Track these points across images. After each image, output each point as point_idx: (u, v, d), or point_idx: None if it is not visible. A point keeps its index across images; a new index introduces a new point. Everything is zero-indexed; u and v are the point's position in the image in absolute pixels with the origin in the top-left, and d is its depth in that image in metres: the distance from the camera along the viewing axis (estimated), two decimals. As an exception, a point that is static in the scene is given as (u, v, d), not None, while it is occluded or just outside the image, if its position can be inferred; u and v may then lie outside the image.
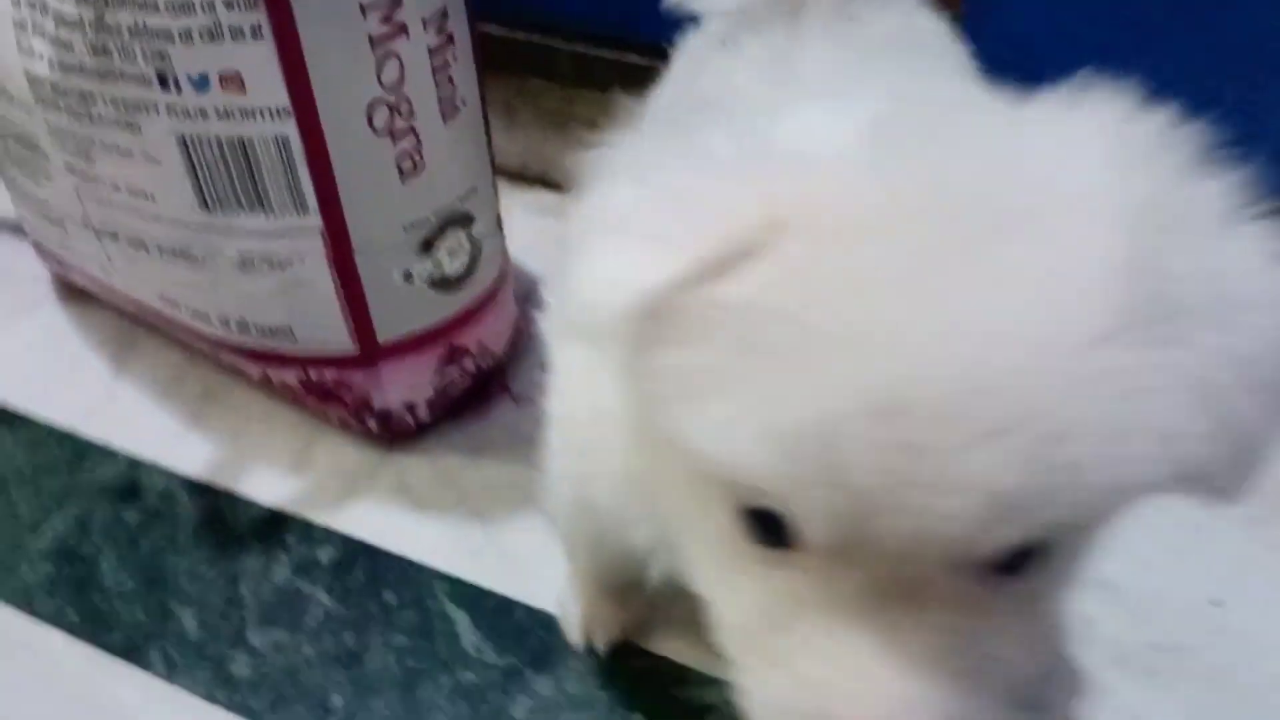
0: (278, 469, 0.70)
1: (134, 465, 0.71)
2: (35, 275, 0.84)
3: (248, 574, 0.65)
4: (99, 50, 0.57)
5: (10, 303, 0.83)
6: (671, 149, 0.33)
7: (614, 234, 0.31)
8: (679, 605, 0.61)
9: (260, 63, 0.56)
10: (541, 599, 0.63)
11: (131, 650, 0.61)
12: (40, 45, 0.59)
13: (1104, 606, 0.61)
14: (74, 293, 0.82)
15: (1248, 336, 0.28)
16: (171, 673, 0.60)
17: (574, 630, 0.61)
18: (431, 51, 0.60)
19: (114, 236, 0.66)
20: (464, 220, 0.66)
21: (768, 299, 0.28)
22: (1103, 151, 0.29)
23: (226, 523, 0.67)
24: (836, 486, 0.27)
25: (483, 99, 0.66)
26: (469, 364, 0.71)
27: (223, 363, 0.73)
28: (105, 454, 0.71)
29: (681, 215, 0.29)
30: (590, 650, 0.61)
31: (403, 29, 0.58)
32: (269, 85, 0.56)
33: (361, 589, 0.64)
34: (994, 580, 0.30)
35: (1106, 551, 0.63)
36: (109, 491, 0.69)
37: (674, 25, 0.62)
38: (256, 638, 0.62)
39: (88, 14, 0.56)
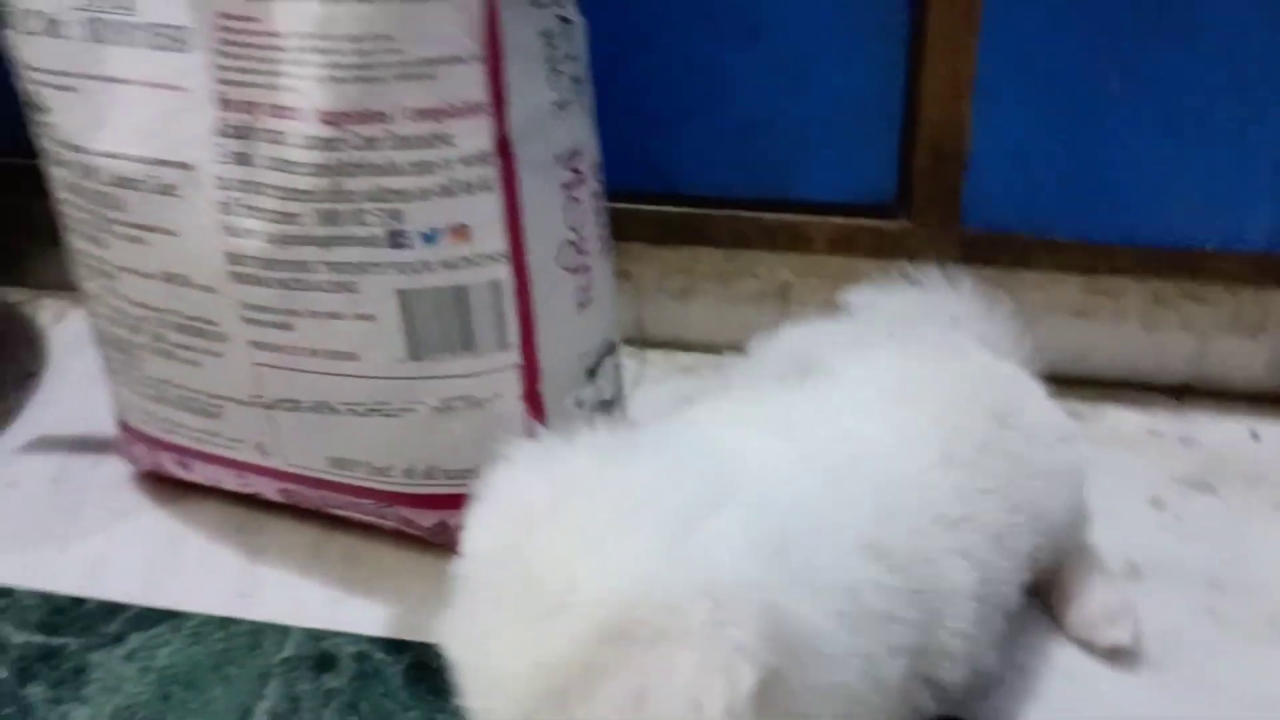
0: (457, 613, 0.72)
1: (315, 636, 0.71)
2: (112, 484, 0.84)
3: (477, 710, 0.66)
4: (328, 218, 0.62)
5: (105, 515, 0.81)
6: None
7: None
8: None
9: (485, 212, 0.62)
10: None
11: (402, 797, 0.61)
12: (253, 223, 0.63)
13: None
14: (170, 492, 0.81)
15: None
16: (452, 807, 0.60)
17: None
18: (593, 195, 0.69)
19: (293, 406, 0.69)
20: (613, 349, 0.74)
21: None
22: None
23: (435, 671, 0.68)
24: None
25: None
26: (616, 485, 0.77)
27: (383, 521, 0.75)
28: (279, 630, 0.71)
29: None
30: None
31: (581, 177, 0.67)
32: (491, 233, 0.63)
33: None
34: None
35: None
36: (303, 664, 0.69)
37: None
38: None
39: (323, 184, 0.61)
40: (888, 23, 0.78)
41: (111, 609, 0.74)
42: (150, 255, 0.68)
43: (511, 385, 0.67)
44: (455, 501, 0.70)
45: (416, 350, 0.65)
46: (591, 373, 0.71)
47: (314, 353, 0.66)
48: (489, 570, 0.45)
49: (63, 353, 0.99)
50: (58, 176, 0.71)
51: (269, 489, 0.76)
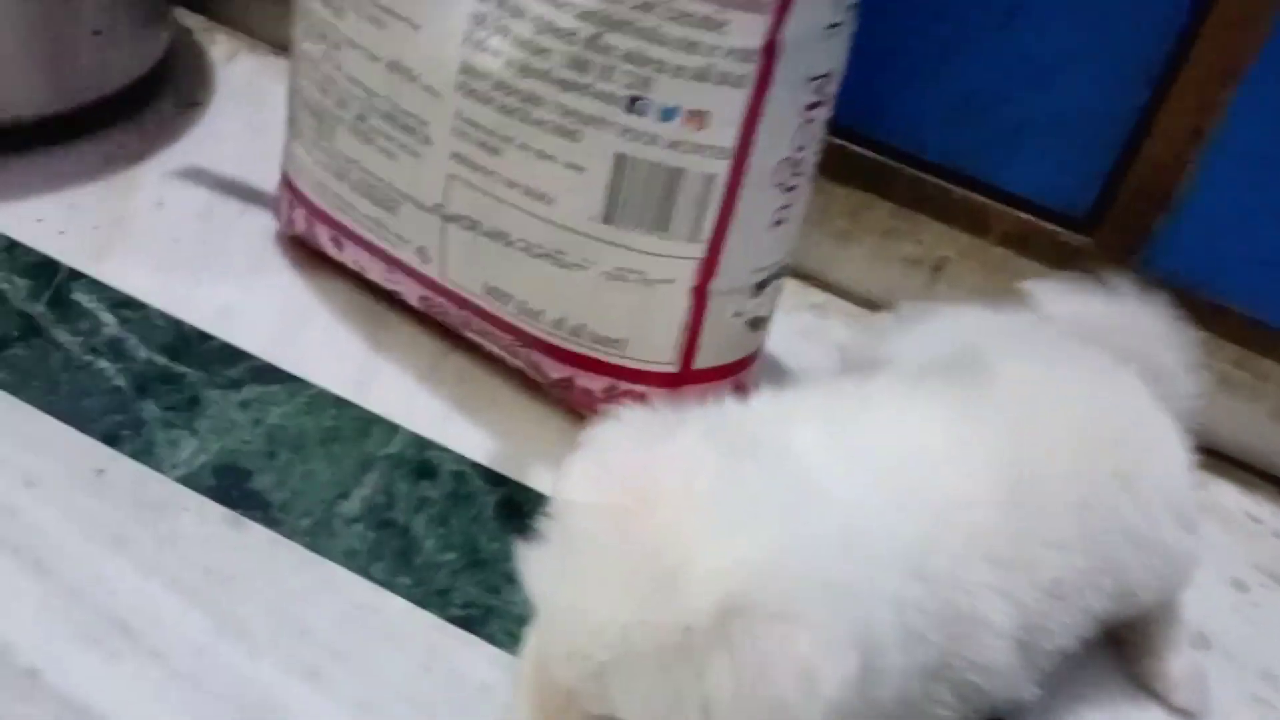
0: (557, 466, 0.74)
1: (421, 444, 0.73)
2: (254, 235, 0.85)
3: (554, 561, 0.68)
4: (578, 64, 0.62)
5: (243, 263, 0.83)
6: None
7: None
8: None
9: (729, 108, 0.62)
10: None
11: (472, 622, 0.64)
12: (500, 43, 0.63)
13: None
14: (309, 260, 0.83)
15: None
16: (517, 647, 0.63)
17: None
18: (824, 123, 0.68)
19: (471, 226, 0.69)
20: (783, 271, 0.74)
21: None
22: None
23: (524, 511, 0.71)
24: None
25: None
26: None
27: (510, 358, 0.76)
28: (389, 427, 0.73)
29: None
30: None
31: (823, 102, 0.66)
32: (726, 129, 0.63)
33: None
34: None
35: None
36: (405, 466, 0.71)
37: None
38: (581, 622, 0.66)
39: (586, 30, 0.61)
40: (1144, 51, 0.76)
41: (235, 354, 0.76)
42: (385, 40, 0.68)
43: (686, 276, 0.68)
44: (589, 363, 0.72)
45: (611, 214, 0.66)
46: (759, 288, 0.72)
47: (512, 184, 0.67)
48: (592, 524, 0.46)
49: (228, 93, 0.99)
50: (315, -69, 0.70)
51: (412, 293, 0.77)
